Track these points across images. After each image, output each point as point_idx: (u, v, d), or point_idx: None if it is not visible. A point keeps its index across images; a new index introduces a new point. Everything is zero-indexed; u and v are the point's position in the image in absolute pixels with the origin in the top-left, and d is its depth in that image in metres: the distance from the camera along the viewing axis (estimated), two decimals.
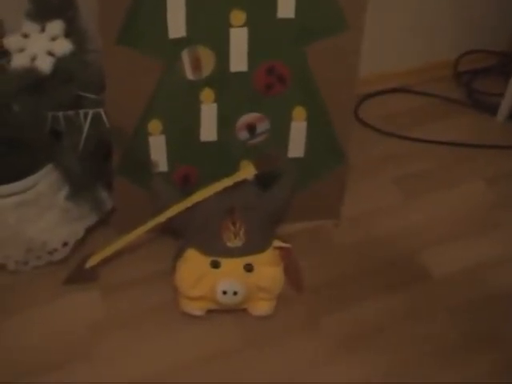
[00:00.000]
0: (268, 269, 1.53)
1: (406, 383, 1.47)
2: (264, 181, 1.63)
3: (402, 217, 1.84)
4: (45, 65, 1.50)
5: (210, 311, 1.56)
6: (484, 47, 2.32)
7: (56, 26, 1.54)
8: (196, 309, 1.55)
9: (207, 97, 1.56)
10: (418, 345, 1.54)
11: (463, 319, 1.60)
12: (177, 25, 1.44)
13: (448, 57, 2.31)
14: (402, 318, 1.60)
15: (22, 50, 1.53)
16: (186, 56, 1.50)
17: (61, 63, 1.52)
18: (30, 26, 1.55)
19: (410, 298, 1.64)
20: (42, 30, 1.55)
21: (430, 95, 2.24)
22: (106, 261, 1.63)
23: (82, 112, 1.51)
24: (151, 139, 1.59)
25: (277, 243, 1.58)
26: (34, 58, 1.51)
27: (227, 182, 1.57)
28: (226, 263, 1.52)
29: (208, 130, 1.61)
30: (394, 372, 1.49)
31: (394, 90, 2.25)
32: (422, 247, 1.76)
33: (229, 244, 1.53)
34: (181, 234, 1.64)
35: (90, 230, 1.70)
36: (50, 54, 1.52)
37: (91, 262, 1.62)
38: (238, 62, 1.52)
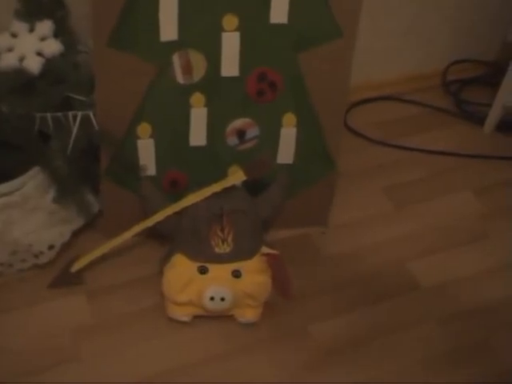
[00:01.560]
0: (256, 276, 1.52)
1: None
2: (253, 187, 1.62)
3: (390, 226, 1.84)
4: (33, 65, 1.48)
5: (196, 317, 1.55)
6: (473, 57, 2.33)
7: (45, 26, 1.53)
8: (182, 314, 1.54)
9: (197, 101, 1.55)
10: (406, 355, 1.54)
11: (451, 329, 1.60)
12: (169, 27, 1.43)
13: (437, 66, 2.32)
14: (390, 328, 1.59)
15: (10, 50, 1.52)
16: (176, 59, 1.49)
17: (50, 64, 1.51)
18: (18, 26, 1.54)
19: (397, 307, 1.64)
20: (31, 29, 1.54)
21: (418, 104, 2.25)
22: (92, 264, 1.62)
23: (70, 114, 1.50)
24: (140, 143, 1.58)
25: (265, 249, 1.57)
26: (22, 58, 1.50)
27: (216, 188, 1.56)
28: (214, 269, 1.51)
29: (197, 135, 1.60)
30: (380, 382, 1.49)
31: (382, 98, 2.26)
32: (411, 257, 1.76)
33: (217, 250, 1.52)
34: (168, 239, 1.63)
35: (76, 234, 1.68)
36: (39, 54, 1.51)
37: (77, 266, 1.60)
38: (230, 66, 1.51)
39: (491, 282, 1.72)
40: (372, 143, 2.10)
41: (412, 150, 2.08)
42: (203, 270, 1.51)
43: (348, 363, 1.52)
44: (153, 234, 1.66)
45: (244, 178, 1.59)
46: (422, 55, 2.26)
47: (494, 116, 2.14)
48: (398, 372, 1.51)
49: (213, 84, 1.52)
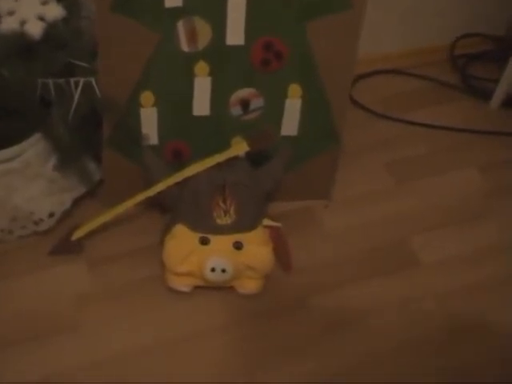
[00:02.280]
0: (257, 247, 1.52)
1: (393, 369, 1.47)
2: (256, 158, 1.61)
3: (392, 202, 1.83)
4: (35, 30, 1.45)
5: (196, 288, 1.55)
6: (481, 31, 2.30)
7: None
8: (183, 285, 1.54)
9: (201, 70, 1.53)
10: (405, 330, 1.54)
11: (450, 307, 1.60)
12: None
13: (444, 40, 2.29)
14: (389, 303, 1.59)
15: (11, 14, 1.49)
16: (181, 27, 1.46)
17: (52, 29, 1.48)
18: None
19: (397, 283, 1.63)
20: None
21: (424, 78, 2.22)
22: (92, 233, 1.61)
23: (72, 80, 1.48)
24: (142, 111, 1.56)
25: (267, 222, 1.57)
26: (23, 23, 1.46)
27: (219, 158, 1.55)
28: (215, 240, 1.50)
29: (201, 104, 1.58)
30: (380, 357, 1.49)
31: (388, 72, 2.23)
32: (412, 233, 1.75)
33: (218, 221, 1.51)
34: (169, 209, 1.62)
35: (77, 202, 1.67)
36: (41, 18, 1.47)
37: (77, 234, 1.59)
38: (235, 35, 1.48)
39: (492, 259, 1.71)
40: (375, 117, 2.08)
41: (416, 124, 2.06)
42: (204, 241, 1.50)
43: (346, 337, 1.52)
44: (154, 203, 1.65)
45: (247, 149, 1.57)
46: (430, 29, 2.23)
47: (500, 92, 2.11)
48: (397, 348, 1.51)
49: (217, 53, 1.50)
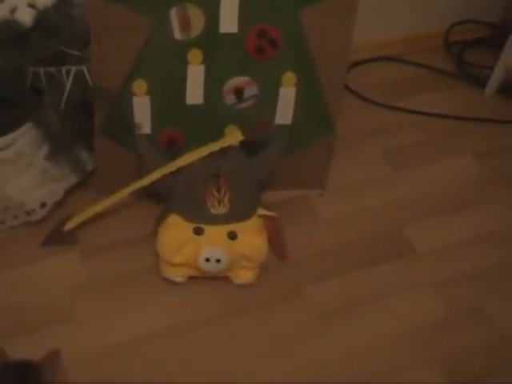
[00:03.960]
0: (252, 237, 1.51)
1: (390, 357, 1.47)
2: (250, 147, 1.60)
3: (388, 189, 1.82)
4: (25, 17, 1.45)
5: (191, 278, 1.54)
6: (476, 18, 2.28)
7: None
8: (177, 275, 1.53)
9: (195, 58, 1.51)
10: (402, 318, 1.54)
11: (447, 294, 1.60)
12: None
13: (439, 26, 2.28)
14: (385, 291, 1.59)
15: (1, 1, 1.47)
16: (174, 14, 1.44)
17: (42, 16, 1.46)
18: None
19: (393, 271, 1.63)
20: None
21: (419, 65, 2.21)
22: (85, 223, 1.59)
23: (64, 69, 1.46)
24: (135, 100, 1.54)
25: (261, 211, 1.56)
26: (13, 10, 1.45)
27: (213, 147, 1.53)
28: (210, 230, 1.49)
29: (194, 93, 1.56)
30: (377, 345, 1.49)
31: (383, 58, 2.22)
32: (408, 221, 1.74)
33: (213, 211, 1.50)
34: (163, 199, 1.60)
35: (69, 192, 1.65)
36: (31, 5, 1.46)
37: (70, 225, 1.57)
38: (228, 22, 1.46)
39: (488, 247, 1.71)
40: (371, 104, 2.07)
41: (411, 112, 2.05)
42: (199, 231, 1.49)
43: (342, 326, 1.52)
44: (148, 193, 1.64)
45: (242, 137, 1.56)
46: (425, 15, 2.21)
47: (496, 78, 2.10)
48: (393, 336, 1.51)
49: (211, 40, 1.48)
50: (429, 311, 1.56)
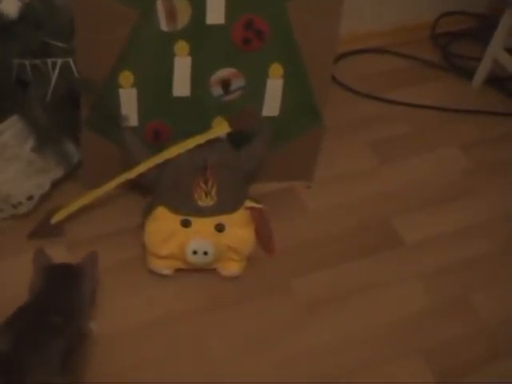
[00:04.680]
0: (239, 229, 1.51)
1: (379, 348, 1.48)
2: (237, 139, 1.59)
3: (375, 181, 1.83)
4: (11, 9, 1.43)
5: (178, 270, 1.54)
6: (463, 9, 2.29)
7: None
8: (164, 267, 1.53)
9: (181, 50, 1.50)
10: (389, 310, 1.55)
11: (433, 285, 1.61)
12: None
13: (426, 18, 2.28)
14: (372, 283, 1.60)
15: None
16: (160, 5, 1.43)
17: (28, 8, 1.45)
18: None
19: (380, 263, 1.64)
20: None
21: (406, 57, 2.22)
22: (72, 216, 1.59)
23: (50, 61, 1.45)
24: (122, 92, 1.53)
25: (249, 203, 1.55)
26: None
27: (200, 139, 1.53)
28: (197, 222, 1.49)
29: (181, 85, 1.56)
30: (364, 336, 1.50)
31: (369, 50, 2.22)
32: (395, 213, 1.75)
33: (200, 203, 1.49)
34: (150, 191, 1.60)
35: (56, 184, 1.65)
36: None
37: (57, 217, 1.57)
38: (215, 14, 1.46)
39: (474, 238, 1.72)
40: (357, 96, 2.07)
41: (398, 103, 2.06)
42: (186, 223, 1.48)
43: (329, 318, 1.52)
44: (134, 185, 1.63)
45: (229, 129, 1.55)
46: (411, 7, 2.22)
47: (483, 70, 2.11)
48: (379, 327, 1.52)
49: (197, 32, 1.48)
50: (415, 302, 1.57)
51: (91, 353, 1.39)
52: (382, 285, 1.59)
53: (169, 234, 1.48)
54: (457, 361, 1.48)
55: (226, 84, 1.57)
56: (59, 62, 1.46)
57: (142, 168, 1.53)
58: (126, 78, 1.51)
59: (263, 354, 1.45)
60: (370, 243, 1.68)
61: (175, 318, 1.49)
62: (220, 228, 1.49)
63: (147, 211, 1.55)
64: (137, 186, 1.64)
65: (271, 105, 1.62)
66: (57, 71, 1.46)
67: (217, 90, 1.58)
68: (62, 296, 1.36)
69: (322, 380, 1.42)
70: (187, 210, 1.49)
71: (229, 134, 1.57)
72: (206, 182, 1.50)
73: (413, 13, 2.24)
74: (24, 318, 1.28)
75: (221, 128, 1.56)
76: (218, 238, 1.48)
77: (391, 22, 2.22)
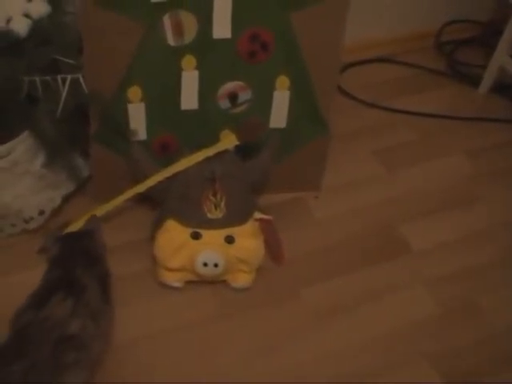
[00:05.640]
0: (249, 241, 1.52)
1: (385, 355, 1.48)
2: (245, 151, 1.61)
3: (381, 189, 1.84)
4: (21, 27, 1.44)
5: (188, 282, 1.55)
6: (467, 17, 2.30)
7: None
8: (174, 280, 1.54)
9: (188, 64, 1.52)
10: (397, 317, 1.55)
11: (441, 292, 1.61)
12: None
13: (431, 26, 2.29)
14: (380, 291, 1.60)
15: None
16: (167, 20, 1.45)
17: (37, 26, 1.47)
18: None
19: (388, 270, 1.64)
20: None
21: (411, 65, 2.23)
22: None
23: (59, 77, 1.47)
24: (130, 107, 1.55)
25: (257, 215, 1.56)
26: (9, 20, 1.45)
27: (208, 152, 1.54)
28: (207, 235, 1.50)
29: (189, 98, 1.57)
30: (371, 343, 1.50)
31: (375, 60, 2.23)
32: (402, 220, 1.76)
33: (209, 215, 1.50)
34: (159, 203, 1.61)
35: (66, 199, 1.66)
36: (26, 15, 1.46)
37: (68, 231, 1.58)
38: (221, 27, 1.48)
39: (480, 244, 1.72)
40: (363, 105, 2.09)
41: (404, 112, 2.07)
42: (196, 236, 1.49)
43: (337, 326, 1.53)
44: (144, 198, 1.65)
45: (237, 142, 1.57)
46: (416, 15, 2.23)
47: (489, 77, 2.12)
48: (387, 335, 1.52)
49: (204, 46, 1.49)
50: (422, 309, 1.57)
51: (107, 357, 1.41)
52: (390, 292, 1.60)
53: (179, 247, 1.49)
54: (465, 366, 1.48)
55: (233, 97, 1.59)
56: (69, 77, 1.47)
57: (151, 182, 1.54)
58: (135, 92, 1.53)
59: (272, 361, 1.46)
60: (378, 251, 1.68)
61: (186, 327, 1.50)
62: (230, 240, 1.50)
63: (157, 223, 1.56)
64: (145, 199, 1.65)
65: (278, 116, 1.63)
66: (67, 87, 1.47)
67: (224, 103, 1.59)
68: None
69: None
70: (197, 223, 1.50)
71: (236, 146, 1.59)
72: (214, 194, 1.51)
73: (417, 21, 2.25)
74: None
75: (229, 141, 1.57)
76: (227, 249, 1.49)
77: (396, 31, 2.23)
